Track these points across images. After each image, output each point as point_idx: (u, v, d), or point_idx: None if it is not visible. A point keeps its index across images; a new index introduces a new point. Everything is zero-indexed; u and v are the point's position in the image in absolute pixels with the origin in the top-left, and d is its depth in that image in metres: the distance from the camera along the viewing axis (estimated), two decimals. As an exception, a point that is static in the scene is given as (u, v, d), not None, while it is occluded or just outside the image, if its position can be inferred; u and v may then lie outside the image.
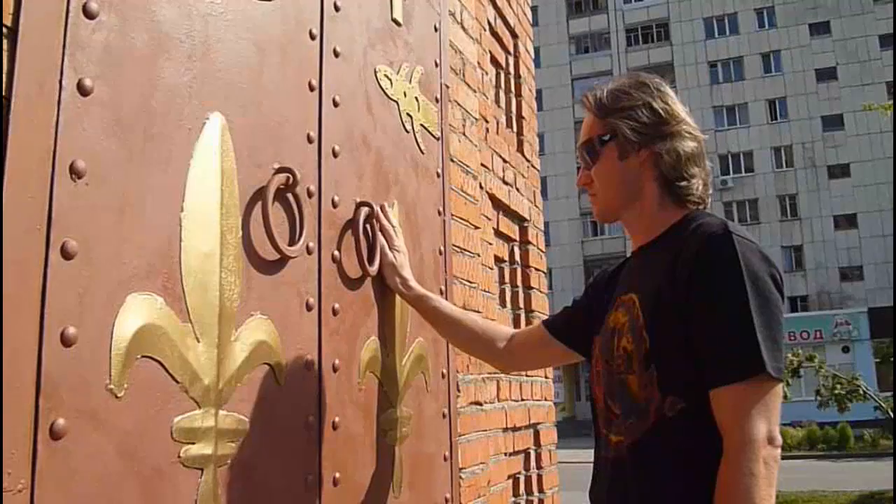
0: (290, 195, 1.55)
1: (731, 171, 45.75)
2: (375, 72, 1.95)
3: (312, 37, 1.70)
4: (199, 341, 1.29)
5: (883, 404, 18.14)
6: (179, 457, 1.23)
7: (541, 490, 3.31)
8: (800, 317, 39.81)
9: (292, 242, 1.54)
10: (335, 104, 1.75)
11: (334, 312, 1.68)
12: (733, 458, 1.34)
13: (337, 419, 1.66)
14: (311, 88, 1.67)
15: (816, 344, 34.75)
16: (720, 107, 46.85)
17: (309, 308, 1.59)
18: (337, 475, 1.65)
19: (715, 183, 43.52)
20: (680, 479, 1.43)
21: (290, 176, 1.52)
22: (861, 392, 17.78)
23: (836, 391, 17.83)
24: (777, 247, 43.83)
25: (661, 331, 1.47)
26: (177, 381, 1.24)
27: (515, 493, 3.15)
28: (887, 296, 35.22)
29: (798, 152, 44.92)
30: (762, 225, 44.45)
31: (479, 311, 2.55)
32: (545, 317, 3.48)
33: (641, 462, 1.47)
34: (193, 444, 1.26)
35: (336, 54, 1.78)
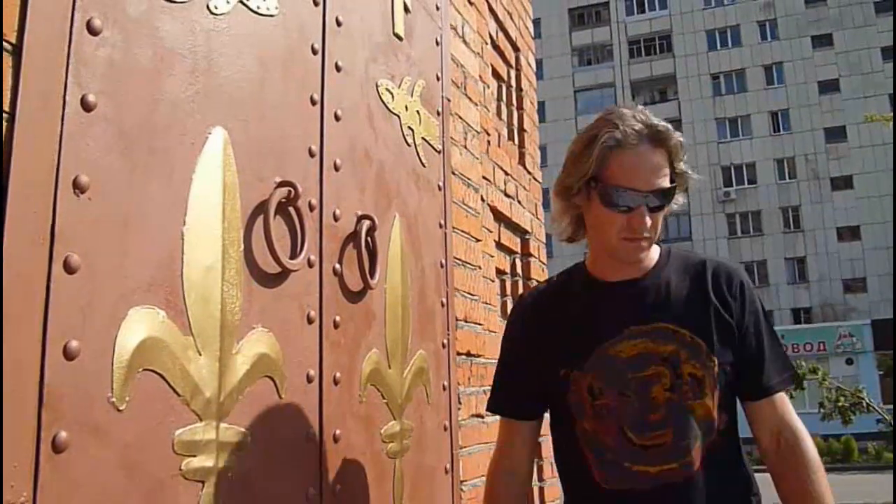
0: (291, 209, 1.55)
1: (733, 183, 45.76)
2: (377, 86, 1.97)
3: (314, 51, 1.71)
4: (200, 354, 1.29)
5: (886, 416, 18.08)
6: (181, 470, 1.24)
7: (542, 503, 3.31)
8: (803, 329, 39.74)
9: (294, 255, 1.55)
10: (337, 118, 1.76)
11: (335, 325, 1.69)
12: (813, 453, 1.61)
13: (338, 432, 1.67)
14: (313, 102, 1.69)
15: (820, 356, 34.65)
16: (723, 119, 46.91)
17: (310, 321, 1.60)
18: (338, 488, 1.65)
19: (717, 194, 43.64)
20: (740, 482, 1.63)
21: (292, 189, 1.53)
22: (864, 404, 17.72)
23: (840, 403, 17.77)
24: (780, 259, 43.82)
25: (725, 353, 1.59)
26: (178, 394, 1.24)
27: (517, 506, 3.14)
28: (890, 308, 35.11)
29: (801, 164, 44.93)
30: (765, 237, 44.44)
31: (480, 324, 2.56)
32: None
33: (716, 478, 1.57)
34: (195, 456, 1.26)
35: (338, 69, 1.79)
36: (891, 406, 23.97)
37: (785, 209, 44.59)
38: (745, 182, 45.69)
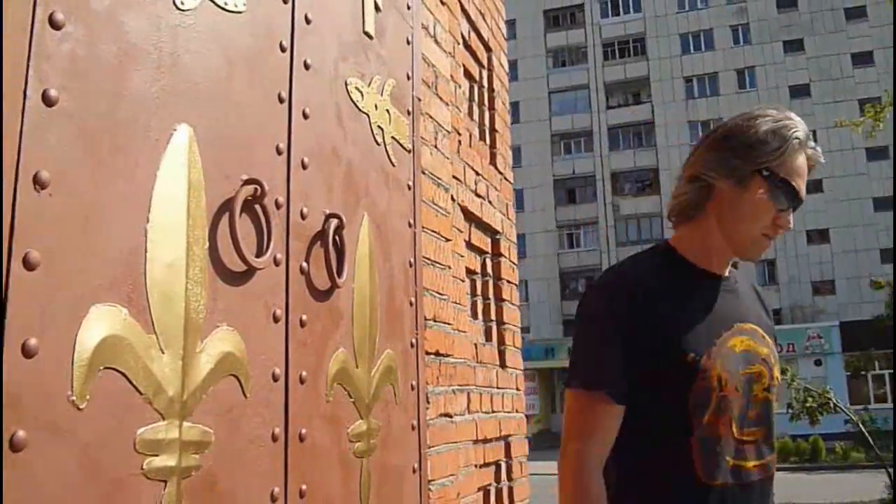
0: (258, 206, 1.55)
1: (705, 186, 45.96)
2: (346, 84, 1.96)
3: (283, 49, 1.70)
4: (163, 352, 1.28)
5: (854, 417, 18.32)
6: (142, 469, 1.22)
7: (511, 502, 3.32)
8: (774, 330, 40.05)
9: (260, 254, 1.54)
10: (305, 116, 1.76)
11: (302, 324, 1.68)
12: None
13: (304, 431, 1.66)
14: (281, 100, 1.68)
15: (789, 357, 35.03)
16: (695, 122, 47.29)
17: (276, 319, 1.59)
18: (303, 487, 1.65)
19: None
20: None
21: (258, 187, 1.52)
22: (832, 405, 17.92)
23: (808, 404, 17.96)
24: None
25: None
26: (140, 393, 1.23)
27: (486, 506, 3.15)
28: (858, 310, 35.62)
29: (772, 167, 45.28)
30: (736, 239, 44.66)
31: (449, 324, 2.56)
32: (515, 329, 3.49)
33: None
34: (157, 455, 1.25)
35: (307, 67, 1.78)
36: (858, 406, 24.33)
37: (755, 212, 44.90)
38: (717, 185, 45.94)
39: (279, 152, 1.65)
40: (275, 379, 1.58)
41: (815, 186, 43.95)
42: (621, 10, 49.86)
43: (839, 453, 26.39)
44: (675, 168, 46.16)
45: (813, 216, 43.54)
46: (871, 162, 42.86)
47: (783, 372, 18.30)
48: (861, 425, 18.20)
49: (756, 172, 1.57)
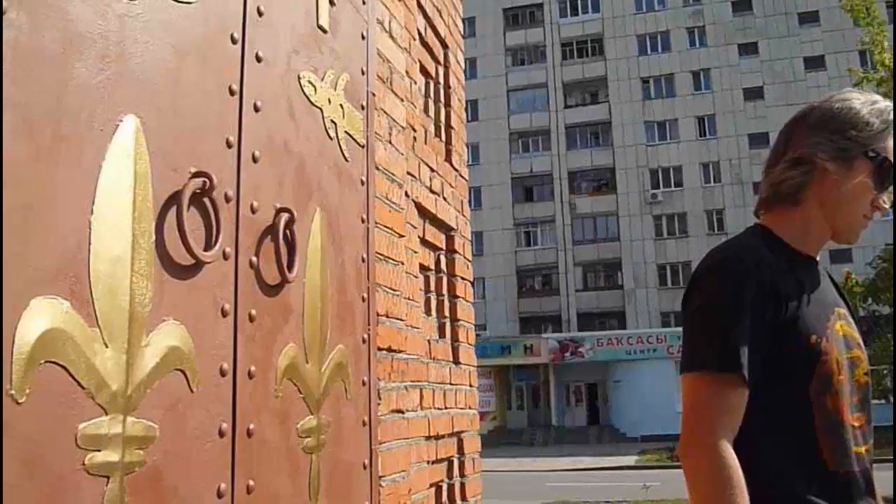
0: (206, 200, 1.53)
1: (661, 185, 46.76)
2: (299, 78, 1.95)
3: (234, 41, 1.69)
4: (107, 346, 1.26)
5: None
6: (84, 464, 1.21)
7: (463, 498, 3.33)
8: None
9: (208, 247, 1.52)
10: (256, 109, 1.74)
11: (251, 318, 1.67)
12: None
13: (252, 426, 1.65)
14: (232, 93, 1.66)
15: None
16: (651, 122, 47.91)
17: (224, 314, 1.58)
18: (251, 483, 1.63)
19: (645, 196, 44.53)
20: None
21: (207, 180, 1.51)
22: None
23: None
24: (704, 260, 44.71)
25: None
26: (83, 387, 1.21)
27: (438, 502, 3.16)
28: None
29: (725, 168, 46.17)
30: (690, 238, 45.53)
31: (402, 320, 2.56)
32: (469, 326, 3.50)
33: None
34: (99, 451, 1.24)
35: (258, 59, 1.77)
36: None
37: (710, 212, 45.76)
38: (672, 185, 46.74)
39: (229, 145, 1.64)
40: (223, 374, 1.57)
41: (767, 187, 44.67)
42: (580, 9, 50.22)
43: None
44: (630, 168, 46.76)
45: (765, 217, 44.17)
46: (822, 164, 43.62)
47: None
48: (894, 419, 18.54)
49: (862, 154, 1.59)
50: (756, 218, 1.76)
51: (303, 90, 1.96)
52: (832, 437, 1.52)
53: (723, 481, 1.42)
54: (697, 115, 47.27)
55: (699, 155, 46.55)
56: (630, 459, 29.79)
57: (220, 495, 1.54)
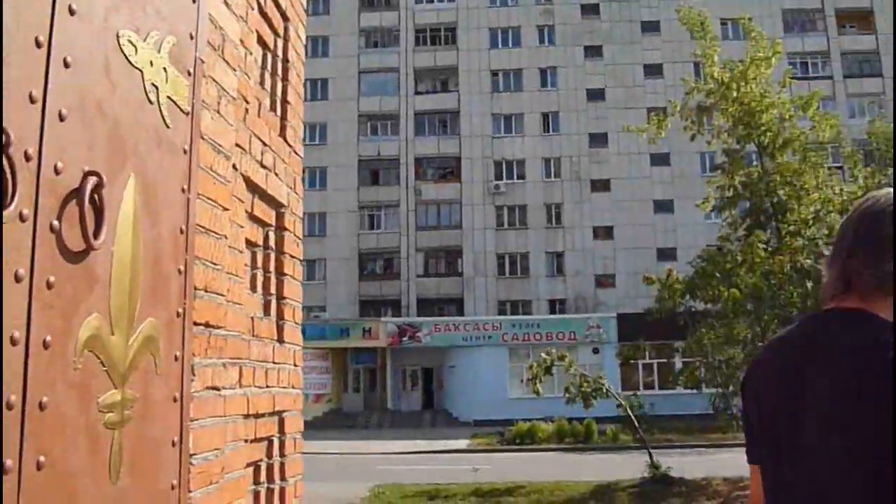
0: (3, 157, 1.43)
1: (504, 177, 47.97)
2: (118, 36, 1.85)
3: (44, -11, 1.58)
4: None
5: (623, 403, 19.75)
6: None
7: (283, 478, 3.30)
8: (557, 318, 42.47)
9: (2, 208, 1.42)
10: (66, 65, 1.64)
11: (49, 285, 1.57)
12: None
13: (45, 399, 1.56)
14: (39, 45, 1.56)
15: (571, 345, 37.07)
16: (499, 115, 48.97)
17: (18, 279, 1.48)
18: (41, 459, 1.54)
19: (489, 186, 45.70)
20: None
21: (5, 136, 1.41)
22: (605, 390, 19.22)
23: (583, 389, 19.17)
24: (541, 252, 46.49)
25: None
26: None
27: (256, 481, 3.11)
28: (634, 303, 38.22)
29: (566, 164, 47.90)
30: (529, 230, 46.99)
31: (222, 295, 2.50)
32: (296, 304, 3.47)
33: None
34: None
35: (72, 12, 1.66)
36: (628, 392, 26.20)
37: (549, 206, 47.36)
38: (515, 177, 48.01)
39: (32, 100, 1.53)
40: (13, 343, 1.47)
41: (603, 186, 46.83)
42: (436, -3, 50.59)
43: (609, 435, 28.40)
44: (475, 158, 47.73)
45: (600, 214, 46.37)
46: (654, 167, 46.14)
47: (561, 358, 19.48)
48: (629, 410, 19.69)
49: None
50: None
51: (122, 49, 1.86)
52: None
53: None
54: (543, 112, 48.72)
55: (542, 150, 48.02)
56: (462, 443, 30.53)
57: (5, 472, 1.44)
